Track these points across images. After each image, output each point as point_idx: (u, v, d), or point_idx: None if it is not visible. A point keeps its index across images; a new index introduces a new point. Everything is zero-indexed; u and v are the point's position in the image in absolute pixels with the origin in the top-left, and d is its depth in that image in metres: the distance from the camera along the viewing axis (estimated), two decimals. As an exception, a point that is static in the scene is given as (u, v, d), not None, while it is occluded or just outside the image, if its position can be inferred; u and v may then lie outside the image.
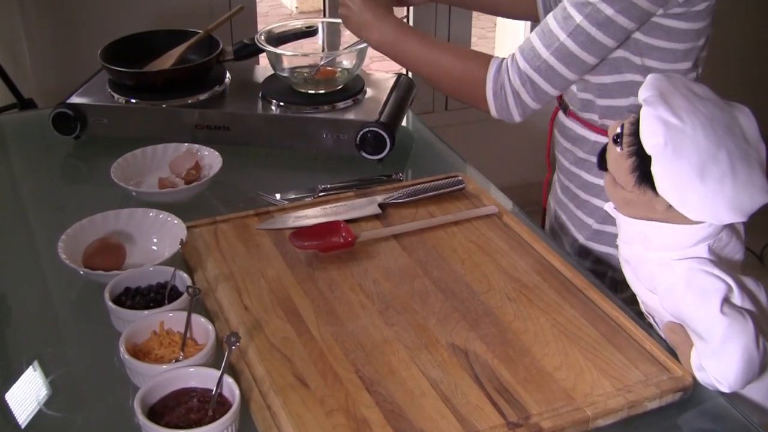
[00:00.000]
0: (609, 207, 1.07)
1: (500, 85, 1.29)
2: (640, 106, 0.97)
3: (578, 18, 1.21)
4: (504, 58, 1.30)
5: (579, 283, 1.13)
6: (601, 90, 1.33)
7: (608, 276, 1.39)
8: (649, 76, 1.00)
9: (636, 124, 0.97)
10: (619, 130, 1.00)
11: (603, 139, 1.36)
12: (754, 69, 3.19)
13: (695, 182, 0.93)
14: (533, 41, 1.26)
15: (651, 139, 0.94)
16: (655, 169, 0.94)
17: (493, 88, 1.29)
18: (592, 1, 1.19)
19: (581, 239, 1.43)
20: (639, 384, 0.96)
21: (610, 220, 1.39)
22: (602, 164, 1.04)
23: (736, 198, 0.94)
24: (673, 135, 0.93)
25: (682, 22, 1.25)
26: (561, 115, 1.44)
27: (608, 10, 1.19)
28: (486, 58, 1.31)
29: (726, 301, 0.95)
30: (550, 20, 1.25)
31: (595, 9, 1.19)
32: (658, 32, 1.26)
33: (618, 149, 1.00)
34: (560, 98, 1.44)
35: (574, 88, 1.36)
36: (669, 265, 0.99)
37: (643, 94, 0.97)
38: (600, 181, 1.38)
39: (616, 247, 1.40)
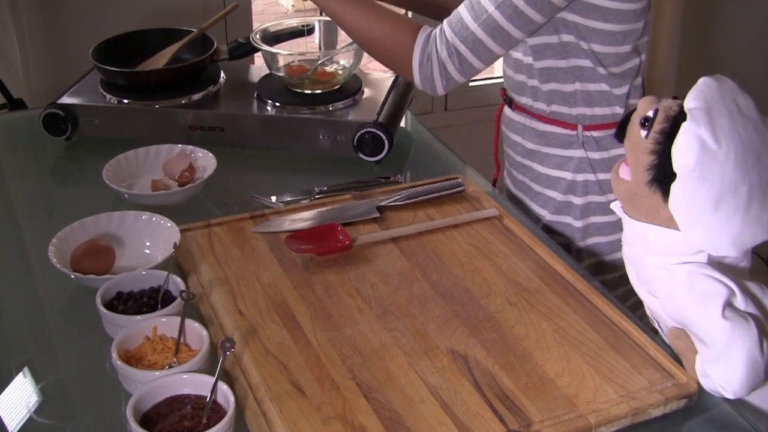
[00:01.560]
0: (615, 206, 1.05)
1: (427, 56, 1.30)
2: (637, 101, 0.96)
3: None
4: (433, 29, 1.31)
5: (581, 288, 1.12)
6: (548, 75, 1.34)
7: None
8: (701, 80, 0.96)
9: (671, 122, 0.94)
10: (651, 114, 0.96)
11: (551, 129, 1.38)
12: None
13: (708, 211, 0.92)
14: (462, 13, 1.28)
15: (683, 158, 0.92)
16: (676, 189, 0.93)
17: (419, 58, 1.30)
18: None
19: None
20: (643, 391, 0.95)
21: (564, 210, 1.40)
22: (620, 135, 1.02)
23: (740, 234, 0.93)
24: (704, 159, 0.91)
25: (616, 2, 1.27)
26: (507, 109, 1.46)
27: None
28: (416, 27, 1.32)
29: (728, 305, 0.94)
30: None
31: None
32: (594, 13, 1.28)
33: (643, 133, 0.97)
34: (503, 93, 1.47)
35: (523, 77, 1.37)
36: (669, 269, 0.98)
37: (690, 103, 0.94)
38: (552, 172, 1.41)
39: (572, 236, 1.40)
